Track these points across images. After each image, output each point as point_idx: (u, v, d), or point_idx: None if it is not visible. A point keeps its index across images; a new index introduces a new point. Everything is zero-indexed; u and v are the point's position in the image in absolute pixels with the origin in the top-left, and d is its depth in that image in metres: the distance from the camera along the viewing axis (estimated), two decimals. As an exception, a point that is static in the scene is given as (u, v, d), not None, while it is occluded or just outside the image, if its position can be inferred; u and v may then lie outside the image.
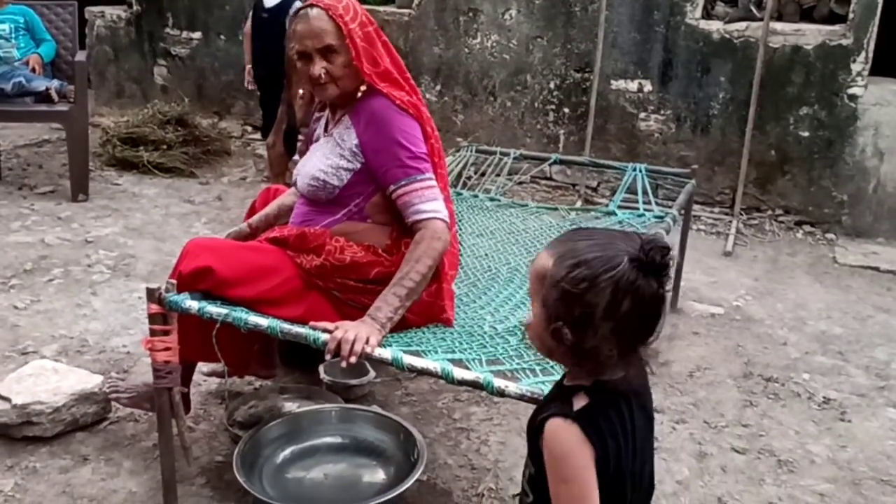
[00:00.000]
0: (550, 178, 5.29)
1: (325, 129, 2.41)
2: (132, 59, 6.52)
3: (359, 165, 2.24)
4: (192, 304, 1.97)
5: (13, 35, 4.67)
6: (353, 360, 1.87)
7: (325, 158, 2.28)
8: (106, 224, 4.39)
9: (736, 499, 2.33)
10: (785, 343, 3.38)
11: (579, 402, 1.27)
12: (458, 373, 1.75)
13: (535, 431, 1.31)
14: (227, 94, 6.22)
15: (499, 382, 1.69)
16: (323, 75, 2.19)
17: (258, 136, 6.12)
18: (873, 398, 2.96)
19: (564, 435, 1.24)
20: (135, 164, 5.32)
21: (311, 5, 2.20)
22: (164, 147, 5.38)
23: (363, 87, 2.27)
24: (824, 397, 2.94)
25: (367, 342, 1.88)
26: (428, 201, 2.15)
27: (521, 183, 3.61)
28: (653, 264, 1.21)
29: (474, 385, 1.74)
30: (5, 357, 2.93)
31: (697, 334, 3.42)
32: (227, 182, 5.29)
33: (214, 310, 1.97)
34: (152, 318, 2.00)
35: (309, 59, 2.20)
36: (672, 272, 1.26)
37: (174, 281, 2.02)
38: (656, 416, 2.70)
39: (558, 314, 1.24)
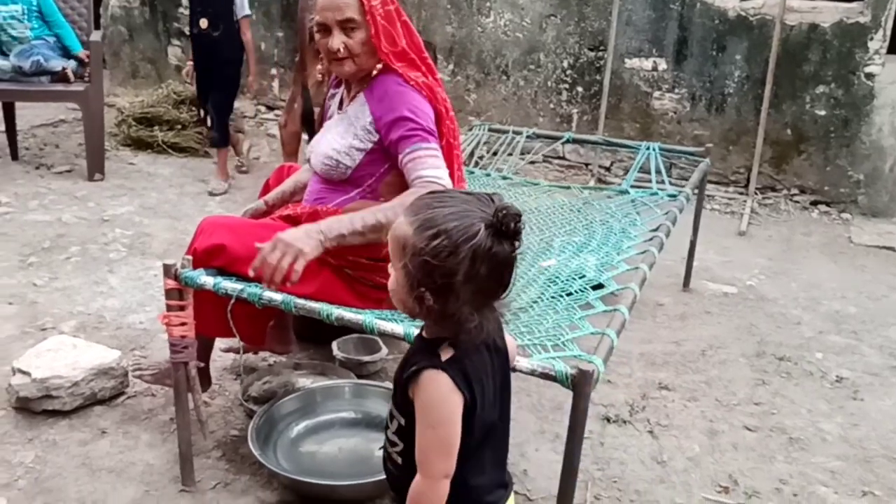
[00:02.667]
0: (563, 158, 5.28)
1: (340, 107, 2.42)
2: (146, 39, 6.54)
3: (371, 145, 2.25)
4: (208, 280, 1.99)
5: (26, 16, 4.69)
6: (273, 286, 1.90)
7: (340, 137, 2.30)
8: (122, 203, 4.43)
9: (747, 476, 2.34)
10: (798, 322, 3.38)
11: (446, 354, 1.33)
12: (470, 348, 1.76)
13: (405, 383, 1.37)
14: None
15: (510, 357, 1.70)
16: (341, 49, 2.19)
17: (272, 115, 6.15)
18: (886, 377, 2.96)
19: (436, 384, 1.31)
20: (149, 144, 5.36)
21: None
22: (179, 127, 5.40)
23: (379, 66, 2.28)
24: (837, 376, 2.95)
25: (297, 259, 1.91)
26: (430, 168, 2.14)
27: (533, 162, 3.61)
28: (507, 231, 1.26)
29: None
30: (24, 333, 2.97)
31: (710, 313, 3.42)
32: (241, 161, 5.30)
33: (229, 285, 1.99)
34: (168, 293, 2.02)
35: (328, 31, 2.21)
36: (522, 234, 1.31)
37: (190, 257, 2.04)
38: (667, 393, 2.72)
39: (420, 281, 1.29)
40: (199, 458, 2.27)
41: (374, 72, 2.30)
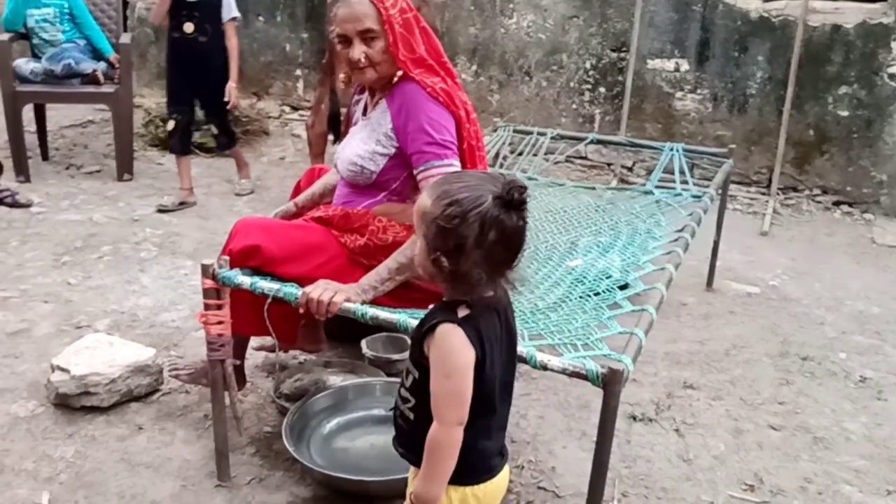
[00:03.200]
0: (585, 158, 5.30)
1: (364, 112, 2.47)
2: (172, 40, 6.61)
3: (393, 150, 2.30)
4: (245, 280, 2.05)
5: (57, 19, 4.78)
6: (319, 317, 1.99)
7: (363, 143, 2.34)
8: (151, 203, 4.50)
9: (772, 474, 2.37)
10: (822, 322, 3.39)
11: (462, 312, 1.47)
12: (502, 347, 1.80)
13: (422, 337, 1.50)
14: (266, 74, 6.30)
15: (542, 357, 1.74)
16: (362, 59, 2.24)
17: (296, 116, 6.22)
18: (910, 378, 2.98)
19: (452, 336, 1.45)
20: (176, 145, 5.42)
21: None
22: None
23: (400, 72, 2.33)
24: (861, 376, 2.96)
25: (336, 294, 1.98)
26: None
27: (556, 162, 3.65)
28: (512, 201, 1.41)
29: (517, 359, 1.79)
30: (60, 331, 3.05)
31: (734, 313, 3.44)
32: (267, 162, 5.38)
33: (266, 285, 2.04)
34: (206, 292, 2.08)
35: (349, 42, 2.26)
36: (526, 210, 1.46)
37: (227, 257, 2.10)
38: (692, 392, 2.76)
39: (437, 246, 1.45)
40: (233, 454, 2.32)
41: (396, 78, 2.35)
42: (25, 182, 4.64)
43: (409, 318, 1.88)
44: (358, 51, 2.23)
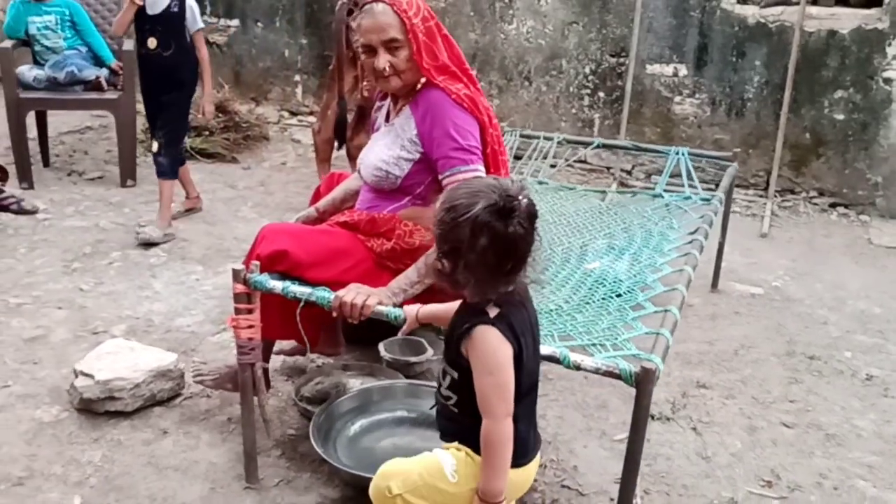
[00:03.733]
0: (585, 162, 5.35)
1: (387, 119, 2.51)
2: (169, 46, 6.63)
3: (418, 155, 2.35)
4: (276, 284, 2.08)
5: (59, 26, 4.79)
6: (352, 321, 2.03)
7: (387, 149, 2.39)
8: (155, 209, 4.47)
9: (788, 470, 2.43)
10: (825, 322, 3.46)
11: (493, 312, 1.57)
12: (534, 348, 1.84)
13: (458, 339, 1.61)
14: (265, 80, 6.32)
15: (575, 357, 1.78)
16: (387, 68, 2.29)
17: (295, 121, 6.25)
18: (915, 375, 3.05)
19: (489, 336, 1.55)
20: (177, 150, 5.43)
21: (377, 0, 2.29)
22: (206, 133, 5.48)
23: (423, 79, 2.37)
24: (867, 374, 3.03)
25: (369, 298, 2.02)
26: None
27: (552, 166, 3.71)
28: (503, 208, 1.51)
29: (550, 359, 1.82)
30: (78, 336, 3.06)
31: (739, 314, 3.50)
32: (269, 167, 5.40)
33: (298, 289, 2.08)
34: (237, 297, 2.11)
35: (373, 52, 2.30)
36: (523, 215, 1.55)
37: (258, 262, 2.13)
38: (706, 391, 2.81)
39: (437, 249, 1.58)
40: (260, 456, 2.35)
41: (419, 85, 2.39)
42: (29, 189, 4.63)
43: None
44: (383, 60, 2.27)
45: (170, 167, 4.17)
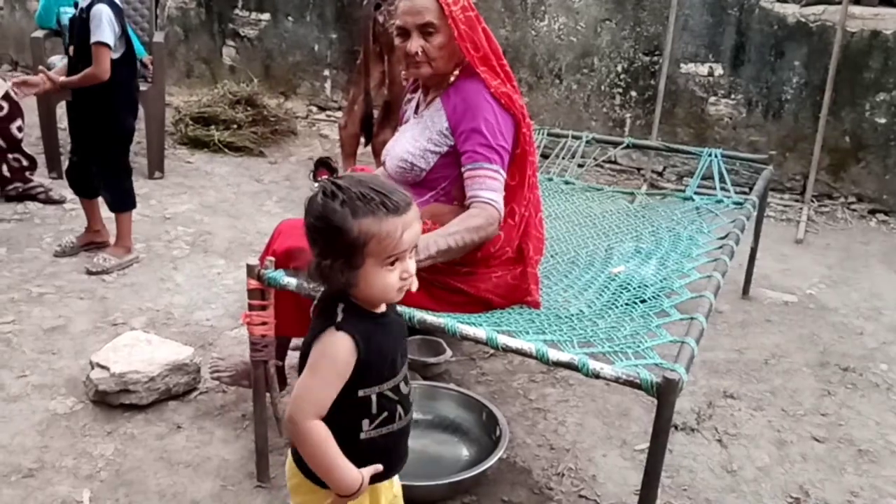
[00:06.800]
0: (615, 162, 5.26)
1: (416, 111, 2.46)
2: (201, 39, 6.64)
3: (446, 149, 2.29)
4: (291, 281, 2.03)
5: (90, 17, 4.79)
6: None
7: (414, 140, 2.33)
8: (182, 201, 4.51)
9: (817, 487, 2.33)
10: (861, 332, 3.34)
11: (340, 314, 1.47)
12: (553, 354, 1.77)
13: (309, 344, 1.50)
14: (294, 74, 6.31)
15: (594, 364, 1.71)
16: (419, 52, 2.24)
17: (323, 116, 6.22)
18: (954, 391, 2.93)
19: (331, 339, 1.44)
20: (206, 143, 5.43)
21: None
22: (235, 126, 5.48)
23: (456, 72, 2.32)
24: (903, 388, 2.91)
25: None
26: (488, 189, 2.20)
27: (580, 165, 3.62)
28: (329, 190, 1.41)
29: (568, 366, 1.76)
30: (97, 328, 3.06)
31: (771, 322, 3.40)
32: (295, 161, 5.38)
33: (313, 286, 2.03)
34: (251, 293, 2.07)
35: (407, 35, 2.26)
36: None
37: (273, 258, 2.09)
38: (733, 402, 2.72)
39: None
40: (272, 454, 2.31)
41: (452, 77, 2.34)
42: (58, 178, 4.65)
43: (458, 324, 1.86)
44: (416, 44, 2.24)
45: (118, 202, 3.66)
